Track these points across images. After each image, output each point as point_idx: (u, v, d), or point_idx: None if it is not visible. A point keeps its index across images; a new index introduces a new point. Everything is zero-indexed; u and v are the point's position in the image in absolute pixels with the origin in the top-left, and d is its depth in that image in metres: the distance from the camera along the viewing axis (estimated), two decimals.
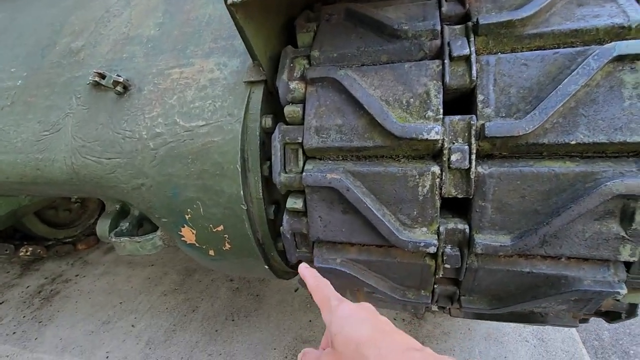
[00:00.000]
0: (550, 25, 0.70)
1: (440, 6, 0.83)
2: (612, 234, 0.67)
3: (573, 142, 0.65)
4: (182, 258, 2.73)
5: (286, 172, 0.83)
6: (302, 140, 0.80)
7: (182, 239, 1.03)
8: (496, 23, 0.71)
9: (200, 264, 1.16)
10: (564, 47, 0.69)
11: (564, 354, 1.69)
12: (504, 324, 1.85)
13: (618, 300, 0.79)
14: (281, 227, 0.89)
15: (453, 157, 0.70)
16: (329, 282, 0.61)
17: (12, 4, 1.62)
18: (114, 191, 1.06)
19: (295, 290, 2.28)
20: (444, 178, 0.72)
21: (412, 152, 0.74)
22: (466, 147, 0.69)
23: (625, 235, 0.66)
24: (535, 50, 0.71)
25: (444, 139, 0.71)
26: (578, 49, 0.67)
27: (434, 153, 0.73)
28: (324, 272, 0.89)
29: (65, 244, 2.85)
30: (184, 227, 1.00)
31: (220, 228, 0.96)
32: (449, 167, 0.71)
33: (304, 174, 0.79)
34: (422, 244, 0.75)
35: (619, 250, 0.67)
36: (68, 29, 1.39)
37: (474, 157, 0.69)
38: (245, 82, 0.93)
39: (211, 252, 1.04)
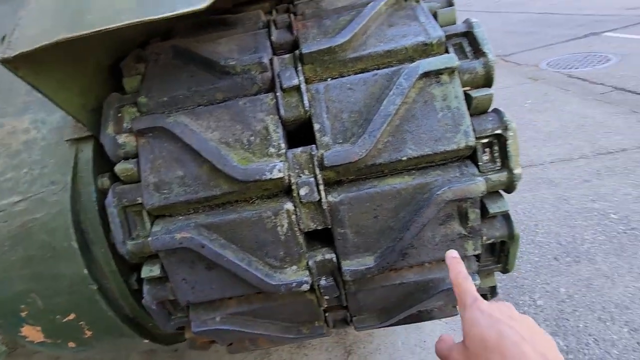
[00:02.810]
0: (368, 48, 0.73)
1: (270, 35, 0.81)
2: (456, 234, 0.72)
3: (404, 158, 0.68)
4: None
5: (133, 239, 0.72)
6: (143, 200, 0.70)
7: (27, 339, 0.84)
8: (318, 51, 0.71)
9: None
10: (382, 68, 0.73)
11: None
12: None
13: (479, 287, 0.86)
14: (142, 300, 0.77)
15: (302, 192, 0.68)
16: (469, 277, 0.57)
17: None
18: None
19: None
20: (299, 213, 0.70)
21: (264, 192, 0.71)
22: (312, 179, 0.68)
23: (465, 233, 0.72)
24: (359, 72, 0.73)
25: (289, 174, 0.68)
26: (393, 68, 0.71)
27: (284, 189, 0.70)
28: (207, 334, 0.81)
29: None
30: (23, 326, 0.81)
31: (72, 316, 0.80)
32: (300, 202, 0.68)
33: (150, 238, 0.69)
34: (294, 284, 0.72)
35: (464, 247, 0.73)
36: None
37: (321, 187, 0.68)
38: (68, 140, 0.79)
39: (71, 344, 0.87)
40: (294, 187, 0.68)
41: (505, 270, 0.82)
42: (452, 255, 0.59)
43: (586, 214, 2.66)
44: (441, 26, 0.77)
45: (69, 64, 0.72)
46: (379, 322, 0.87)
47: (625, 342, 1.76)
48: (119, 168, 0.72)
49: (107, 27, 0.55)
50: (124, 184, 0.74)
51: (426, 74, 0.68)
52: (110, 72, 0.85)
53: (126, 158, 0.74)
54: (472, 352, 0.48)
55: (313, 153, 0.68)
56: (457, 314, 0.97)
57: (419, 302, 0.79)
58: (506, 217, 0.74)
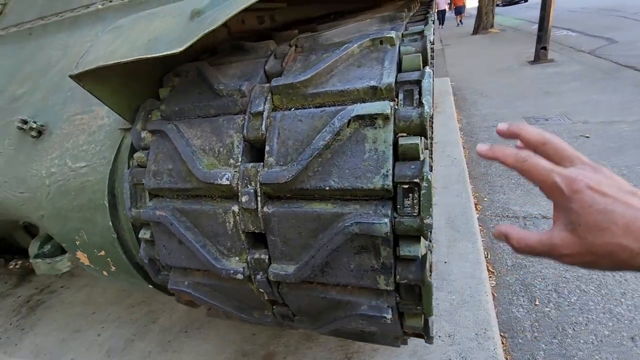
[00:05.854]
0: (326, 87, 0.83)
1: (265, 64, 0.97)
2: (369, 266, 0.77)
3: (327, 188, 0.76)
4: None
5: (136, 208, 0.99)
6: (144, 182, 0.96)
7: (80, 260, 1.21)
8: (283, 85, 0.84)
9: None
10: (337, 105, 0.82)
11: None
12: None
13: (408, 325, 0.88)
14: (139, 254, 1.04)
15: (243, 199, 0.83)
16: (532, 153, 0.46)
17: None
18: (29, 220, 1.25)
19: None
20: (241, 216, 0.85)
21: (222, 193, 0.88)
22: (253, 190, 0.82)
23: (377, 267, 0.76)
24: (318, 106, 0.84)
25: (238, 183, 0.84)
26: (338, 107, 0.79)
27: (234, 195, 0.86)
28: (178, 293, 1.04)
29: None
30: (77, 251, 1.17)
31: (103, 253, 1.13)
32: (242, 208, 0.84)
33: (141, 210, 0.94)
34: (231, 271, 0.88)
35: (377, 280, 0.78)
36: (19, 76, 1.63)
37: (259, 199, 0.82)
38: (119, 129, 1.10)
39: (104, 273, 1.21)
40: (239, 194, 0.84)
41: (424, 314, 0.82)
42: (483, 148, 0.48)
43: None
44: (404, 71, 0.81)
45: (124, 76, 1.01)
46: (312, 327, 0.97)
47: None
48: (136, 155, 0.99)
49: (123, 60, 0.79)
50: (139, 167, 1.01)
51: (360, 117, 0.75)
52: (155, 84, 1.13)
53: (144, 149, 1.00)
54: (591, 242, 0.41)
55: (258, 170, 0.83)
56: (396, 346, 0.99)
57: (339, 318, 0.86)
58: (423, 262, 0.76)
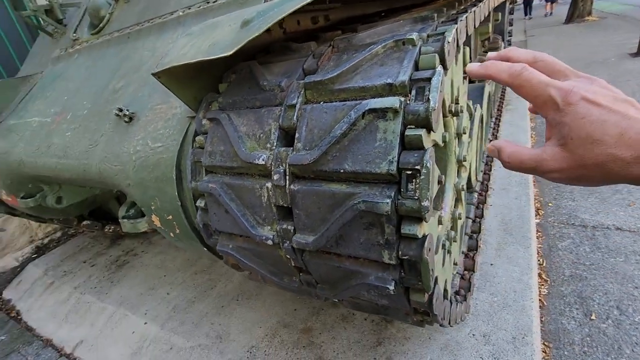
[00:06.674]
0: (350, 83, 0.94)
1: (304, 63, 1.12)
2: (375, 241, 0.88)
3: (342, 171, 0.88)
4: None
5: (196, 181, 1.21)
6: (202, 160, 1.17)
7: (154, 223, 1.49)
8: (314, 81, 0.98)
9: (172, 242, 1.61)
10: (358, 99, 0.93)
11: None
12: (464, 338, 1.91)
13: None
14: (195, 219, 1.27)
15: (274, 177, 0.99)
16: (526, 65, 0.44)
17: (96, 53, 2.34)
18: (120, 187, 1.58)
19: None
20: (273, 191, 1.01)
21: (259, 172, 1.05)
22: (282, 170, 0.98)
23: (382, 242, 0.87)
24: (343, 100, 0.96)
25: (271, 164, 1.00)
26: (356, 102, 0.90)
27: (268, 173, 1.03)
28: (224, 254, 1.25)
29: None
30: (152, 214, 1.46)
31: (170, 217, 1.39)
32: (274, 184, 1.00)
33: (199, 183, 1.16)
34: (264, 237, 1.05)
35: (381, 254, 0.88)
36: (119, 73, 2.01)
37: (288, 177, 0.97)
38: (187, 117, 1.34)
39: (171, 234, 1.48)
40: (272, 173, 1.00)
41: (423, 289, 0.90)
42: (474, 67, 0.48)
43: None
44: (420, 69, 0.89)
45: (191, 73, 1.23)
46: (332, 294, 1.10)
47: None
48: (197, 138, 1.21)
49: (189, 61, 0.99)
50: (199, 148, 1.23)
51: (374, 110, 0.85)
52: (217, 80, 1.35)
53: (204, 133, 1.22)
54: (582, 155, 0.40)
55: (288, 153, 0.98)
56: (408, 322, 1.08)
57: (351, 286, 0.99)
58: (423, 241, 0.84)
